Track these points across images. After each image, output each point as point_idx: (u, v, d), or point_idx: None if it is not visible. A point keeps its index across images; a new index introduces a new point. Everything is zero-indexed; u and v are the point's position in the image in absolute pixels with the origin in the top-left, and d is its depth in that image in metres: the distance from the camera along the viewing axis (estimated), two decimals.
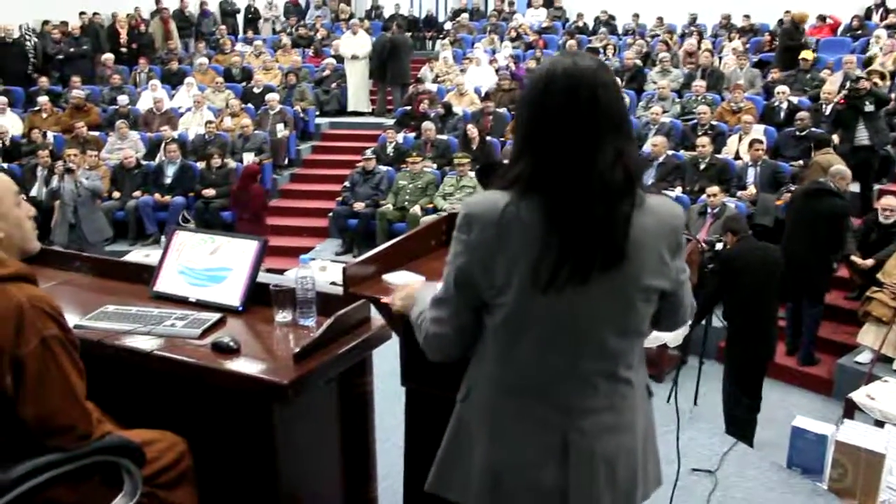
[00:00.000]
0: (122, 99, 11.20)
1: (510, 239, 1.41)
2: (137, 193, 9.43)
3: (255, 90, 11.70)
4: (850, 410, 5.00)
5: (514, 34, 14.11)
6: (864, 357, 6.30)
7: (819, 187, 6.47)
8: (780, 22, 13.26)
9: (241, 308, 2.41)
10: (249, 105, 11.27)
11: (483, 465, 1.53)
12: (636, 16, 15.16)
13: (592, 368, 1.48)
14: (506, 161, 1.95)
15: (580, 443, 1.48)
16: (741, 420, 5.21)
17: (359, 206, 9.07)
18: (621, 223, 1.40)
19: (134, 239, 9.37)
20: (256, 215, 8.84)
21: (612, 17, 15.26)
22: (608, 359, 1.48)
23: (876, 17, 13.41)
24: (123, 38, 13.46)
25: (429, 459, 1.67)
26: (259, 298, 2.40)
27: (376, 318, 2.26)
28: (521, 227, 1.40)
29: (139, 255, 8.06)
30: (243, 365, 2.08)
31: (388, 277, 2.17)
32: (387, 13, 16.31)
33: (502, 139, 9.82)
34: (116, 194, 9.47)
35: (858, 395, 5.04)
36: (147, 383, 2.23)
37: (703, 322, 5.51)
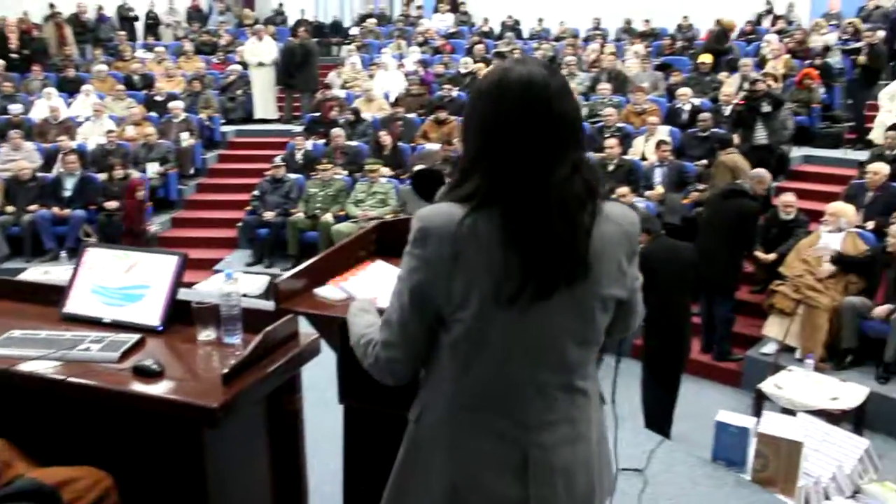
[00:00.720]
0: (15, 108, 10.62)
1: (468, 254, 1.36)
2: (34, 207, 8.94)
3: (158, 98, 11.31)
4: (760, 400, 5.21)
5: (421, 39, 14.14)
6: (770, 348, 6.55)
7: (733, 188, 6.75)
8: (679, 27, 13.81)
9: (160, 327, 2.28)
10: (152, 113, 10.88)
11: (441, 483, 1.48)
12: (540, 20, 15.42)
13: (551, 381, 1.45)
14: (422, 165, 1.91)
15: (539, 456, 1.44)
16: (659, 415, 5.33)
17: (269, 215, 8.86)
18: (582, 237, 1.36)
19: (31, 255, 8.88)
20: (128, 231, 8.69)
21: (517, 22, 15.49)
22: (566, 371, 1.46)
23: (766, 23, 14.06)
24: (14, 43, 12.81)
25: (369, 477, 1.63)
26: (178, 316, 2.28)
27: (305, 332, 2.19)
28: (478, 242, 1.35)
29: (37, 272, 7.69)
30: (169, 389, 1.96)
31: (321, 291, 2.10)
32: (291, 19, 16.06)
33: (412, 144, 9.81)
34: (10, 208, 8.97)
35: (767, 386, 5.26)
36: (63, 414, 2.08)
37: None
